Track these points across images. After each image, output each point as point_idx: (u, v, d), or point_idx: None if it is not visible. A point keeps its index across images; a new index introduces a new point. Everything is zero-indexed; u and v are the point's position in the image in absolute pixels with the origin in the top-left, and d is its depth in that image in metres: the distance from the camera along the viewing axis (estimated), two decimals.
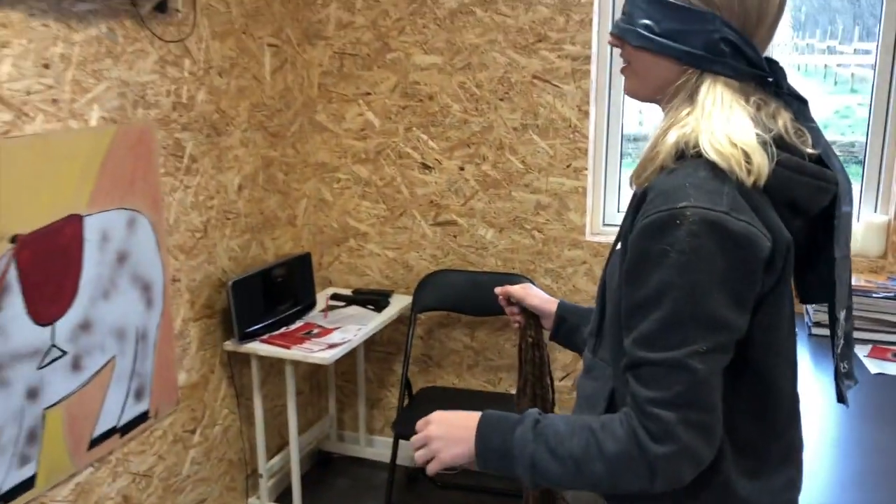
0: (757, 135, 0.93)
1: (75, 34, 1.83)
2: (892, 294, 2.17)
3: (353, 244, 2.94)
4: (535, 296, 1.41)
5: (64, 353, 1.86)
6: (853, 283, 2.22)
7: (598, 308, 1.11)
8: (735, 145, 0.92)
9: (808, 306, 2.30)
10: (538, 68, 2.55)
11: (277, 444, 2.77)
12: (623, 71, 1.07)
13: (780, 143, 0.95)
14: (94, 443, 1.97)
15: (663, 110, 1.03)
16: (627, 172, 1.69)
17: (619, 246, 1.04)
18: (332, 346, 2.35)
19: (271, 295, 2.49)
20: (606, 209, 2.70)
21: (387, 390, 3.02)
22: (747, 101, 0.97)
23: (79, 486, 1.94)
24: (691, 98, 0.97)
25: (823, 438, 1.62)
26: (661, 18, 0.98)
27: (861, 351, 2.08)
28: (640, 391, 0.92)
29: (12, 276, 1.70)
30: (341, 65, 2.78)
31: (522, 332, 1.43)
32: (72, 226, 1.86)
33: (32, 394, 1.78)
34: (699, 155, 0.94)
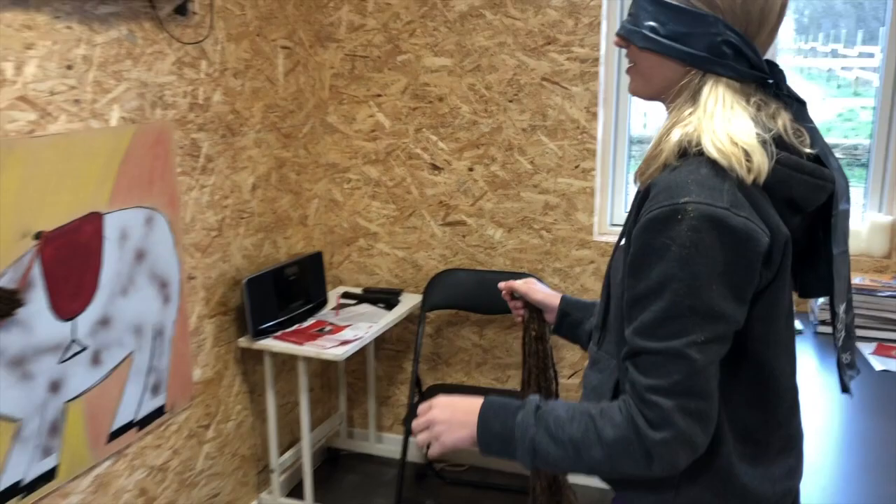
0: (757, 134, 0.97)
1: (97, 36, 1.87)
2: None
3: (363, 244, 2.98)
4: (539, 290, 1.44)
5: (84, 347, 1.90)
6: (858, 281, 2.26)
7: (603, 302, 1.14)
8: (736, 144, 0.95)
9: (814, 304, 2.33)
10: (547, 70, 2.59)
11: (289, 440, 2.80)
12: (628, 71, 1.10)
13: (779, 142, 0.99)
14: (113, 436, 2.01)
15: (667, 109, 1.07)
16: None
17: (622, 242, 1.07)
18: (344, 342, 2.39)
19: (284, 293, 2.53)
20: (614, 209, 2.74)
21: (396, 388, 3.06)
22: (748, 101, 1.00)
23: (98, 478, 1.98)
24: (694, 98, 1.01)
25: (830, 432, 1.65)
26: (666, 21, 1.01)
27: (866, 349, 2.11)
28: (639, 379, 0.95)
29: (36, 271, 1.75)
30: (352, 67, 2.83)
31: (526, 326, 1.46)
32: (92, 223, 1.90)
33: (54, 387, 1.82)
34: (701, 153, 0.97)
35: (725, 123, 0.97)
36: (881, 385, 1.88)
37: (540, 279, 2.68)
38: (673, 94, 1.04)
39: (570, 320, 1.40)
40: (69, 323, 1.85)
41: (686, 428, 0.93)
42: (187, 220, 2.23)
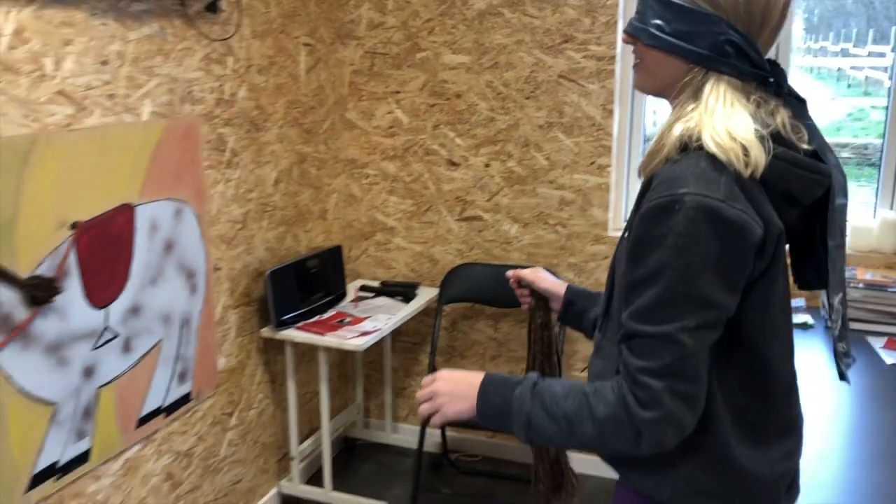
0: (755, 130, 1.01)
1: (130, 32, 1.93)
2: None
3: (381, 238, 3.04)
4: (545, 279, 1.48)
5: (116, 335, 1.96)
6: (868, 277, 2.30)
7: (607, 291, 1.19)
8: (734, 139, 1.00)
9: (824, 298, 2.37)
10: (564, 68, 2.64)
11: (307, 429, 2.86)
12: (635, 67, 1.15)
13: (777, 138, 1.03)
14: (142, 421, 2.08)
15: (671, 104, 1.11)
16: None
17: (627, 234, 1.11)
18: (364, 333, 2.44)
19: (305, 285, 2.58)
20: (629, 205, 2.79)
21: (412, 379, 3.12)
22: (748, 99, 1.04)
23: (127, 461, 2.04)
24: (696, 95, 1.05)
25: (840, 423, 1.70)
26: (672, 19, 1.05)
27: (876, 343, 2.15)
28: (631, 360, 1.00)
29: (72, 261, 1.81)
30: (372, 64, 2.88)
31: (532, 314, 1.50)
32: (124, 214, 1.96)
33: (88, 372, 1.88)
34: (701, 148, 1.01)
35: (725, 120, 1.01)
36: (891, 379, 1.92)
37: (555, 274, 2.73)
38: (677, 91, 1.08)
39: (575, 309, 1.44)
40: (102, 311, 1.91)
41: (674, 409, 0.98)
42: (213, 212, 2.29)
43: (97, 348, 1.90)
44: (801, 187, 1.05)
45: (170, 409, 2.17)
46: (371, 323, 2.54)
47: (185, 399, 2.23)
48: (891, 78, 2.48)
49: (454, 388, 1.13)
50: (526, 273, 1.49)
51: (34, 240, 1.70)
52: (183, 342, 2.20)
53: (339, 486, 2.70)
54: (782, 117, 1.05)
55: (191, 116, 2.16)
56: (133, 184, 1.97)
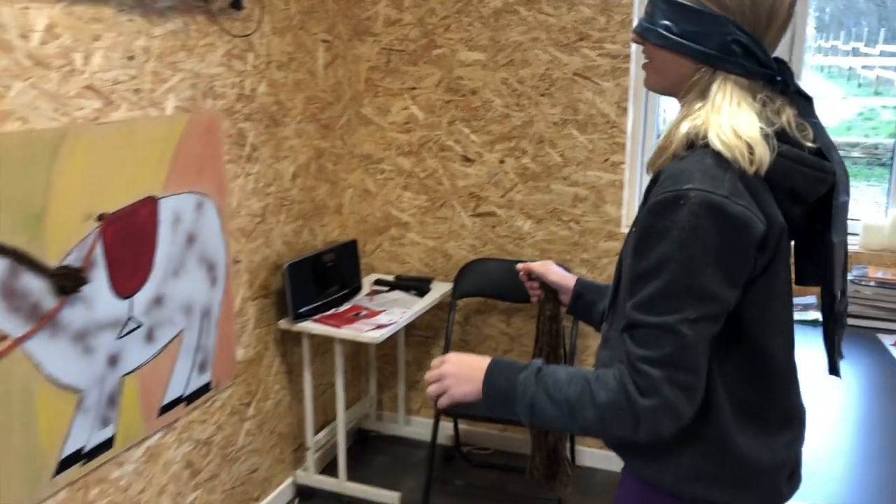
0: (760, 128, 1.03)
1: (156, 28, 1.96)
2: None
3: (395, 233, 3.07)
4: (555, 272, 1.51)
5: (140, 324, 2.00)
6: (880, 275, 2.33)
7: (615, 284, 1.22)
8: (739, 137, 1.02)
9: (824, 294, 2.40)
10: (579, 66, 2.67)
11: (322, 420, 2.90)
12: (644, 66, 1.17)
13: (782, 136, 1.05)
14: (163, 410, 2.12)
15: (679, 103, 1.14)
16: None
17: (634, 227, 1.14)
18: (380, 326, 2.48)
19: (322, 278, 2.62)
20: None
21: (424, 373, 3.14)
22: (754, 97, 1.07)
23: (149, 449, 2.09)
24: (704, 94, 1.07)
25: (851, 419, 1.73)
26: (680, 20, 1.07)
27: (888, 340, 2.18)
28: (633, 349, 1.03)
29: (98, 251, 1.85)
30: (388, 60, 2.91)
31: (541, 306, 1.53)
32: (148, 207, 2.00)
33: (112, 361, 1.92)
34: (707, 145, 1.04)
35: (731, 118, 1.04)
36: None
37: (567, 269, 2.76)
38: (685, 90, 1.10)
39: (584, 302, 1.47)
40: (127, 301, 1.95)
41: (672, 397, 1.01)
42: (234, 206, 2.33)
43: (121, 337, 1.94)
44: (806, 185, 1.07)
45: (190, 399, 2.22)
46: (386, 316, 2.58)
47: (204, 388, 2.27)
48: None
49: (462, 370, 1.17)
50: (536, 266, 1.52)
51: (62, 231, 1.74)
52: (203, 333, 2.24)
53: (352, 476, 2.74)
54: (788, 116, 1.07)
55: (213, 111, 2.20)
56: (157, 177, 2.01)
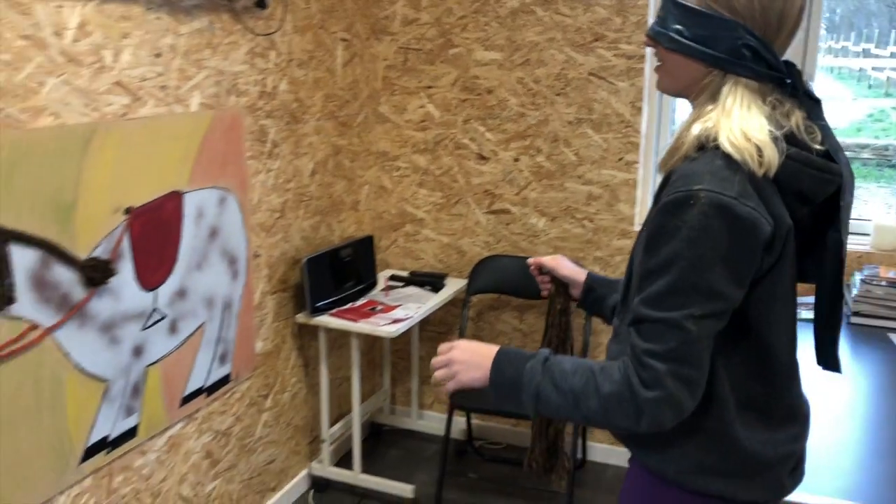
0: (770, 131, 1.06)
1: (182, 26, 2.01)
2: None
3: (410, 229, 3.11)
4: (566, 266, 1.53)
5: (164, 316, 2.04)
6: (892, 275, 2.35)
7: (626, 280, 1.25)
8: (749, 140, 1.05)
9: (849, 298, 2.43)
10: (594, 66, 2.70)
11: (336, 413, 2.95)
12: (656, 69, 1.20)
13: (791, 139, 1.08)
14: (185, 400, 2.16)
15: (691, 105, 1.17)
16: None
17: (646, 227, 1.17)
18: (396, 321, 2.52)
19: (339, 273, 2.66)
20: None
21: None
22: (764, 100, 1.09)
23: (171, 438, 2.13)
24: (714, 96, 1.10)
25: (863, 416, 1.76)
26: (691, 24, 1.10)
27: None
28: (639, 343, 1.06)
29: (125, 244, 1.89)
30: (405, 59, 2.95)
31: (551, 299, 1.56)
32: (173, 201, 2.04)
33: (137, 351, 1.97)
34: (717, 147, 1.07)
35: (741, 121, 1.06)
36: None
37: (580, 266, 2.79)
38: (696, 92, 1.13)
39: (594, 295, 1.49)
40: (151, 293, 2.00)
41: (675, 391, 1.04)
42: (254, 201, 2.37)
43: (146, 329, 1.99)
44: (813, 186, 1.10)
45: (210, 390, 2.26)
46: (402, 311, 2.62)
47: (224, 380, 2.31)
48: None
49: (470, 357, 1.19)
50: (546, 260, 1.54)
51: (92, 224, 1.79)
52: (224, 325, 2.28)
53: (366, 469, 2.78)
54: (797, 119, 1.10)
55: (236, 108, 2.24)
56: (182, 172, 2.05)
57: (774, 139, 1.05)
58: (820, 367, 1.26)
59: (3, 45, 1.55)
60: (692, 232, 1.02)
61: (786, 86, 1.10)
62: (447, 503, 2.71)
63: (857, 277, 2.41)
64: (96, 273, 1.80)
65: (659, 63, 1.18)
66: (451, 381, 1.20)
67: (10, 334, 1.62)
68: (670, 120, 2.79)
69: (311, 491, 2.79)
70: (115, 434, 1.93)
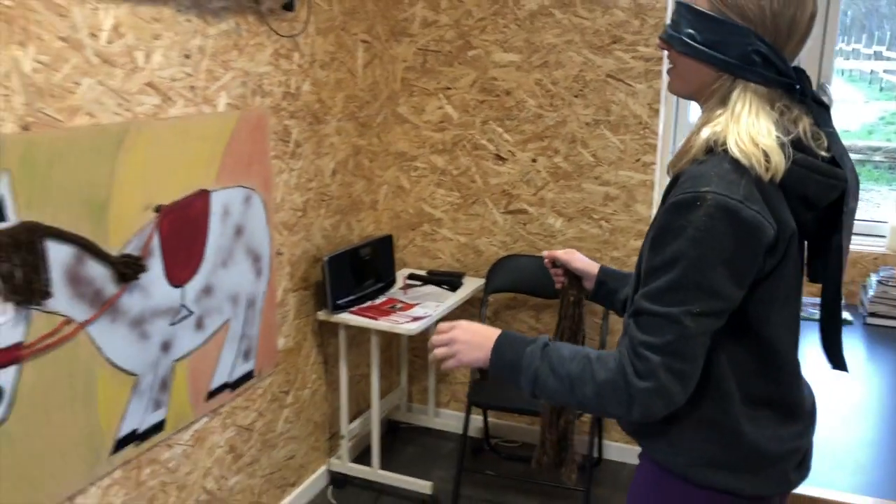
0: (777, 137, 1.09)
1: (210, 28, 2.05)
2: None
3: (427, 229, 3.15)
4: (579, 259, 1.56)
5: (191, 312, 2.08)
6: None
7: (635, 277, 1.28)
8: (757, 145, 1.08)
9: (864, 297, 2.45)
10: (612, 68, 2.73)
11: (355, 410, 2.98)
12: (668, 72, 1.23)
13: (797, 144, 1.11)
14: (210, 395, 2.20)
15: (701, 108, 1.20)
16: None
17: (653, 225, 1.20)
18: (416, 318, 2.55)
19: (359, 271, 2.70)
20: None
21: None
22: (772, 106, 1.12)
23: (196, 433, 2.17)
24: (724, 101, 1.13)
25: (880, 414, 1.78)
26: (703, 29, 1.13)
27: None
28: (636, 334, 1.10)
29: (155, 241, 1.93)
30: (424, 61, 2.99)
31: (565, 291, 1.59)
32: (201, 200, 2.08)
33: (166, 347, 2.01)
34: (726, 151, 1.10)
35: (749, 126, 1.09)
36: None
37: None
38: (706, 96, 1.16)
39: (606, 288, 1.53)
40: (179, 290, 2.04)
41: (667, 383, 1.08)
42: (278, 200, 2.41)
43: (174, 324, 2.03)
44: (818, 191, 1.13)
45: (234, 385, 2.30)
46: (421, 309, 2.65)
47: (248, 376, 2.35)
48: None
49: (472, 337, 1.23)
50: (560, 253, 1.58)
51: (124, 221, 1.83)
52: (248, 322, 2.32)
53: (384, 466, 2.81)
54: (804, 125, 1.12)
55: (261, 108, 2.28)
56: (209, 171, 2.09)
57: (781, 145, 1.08)
58: (830, 367, 1.29)
59: (42, 47, 1.59)
60: (697, 232, 1.05)
61: (794, 92, 1.13)
62: (465, 500, 2.74)
63: (874, 279, 2.43)
64: (128, 269, 1.84)
65: (671, 66, 1.21)
66: (451, 359, 1.24)
67: (46, 328, 1.66)
68: (687, 122, 2.81)
69: (330, 487, 2.82)
70: (143, 427, 1.97)
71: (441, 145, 3.04)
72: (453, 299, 2.79)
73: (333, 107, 2.65)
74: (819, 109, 1.16)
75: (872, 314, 2.39)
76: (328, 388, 2.80)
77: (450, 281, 2.92)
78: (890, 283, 2.38)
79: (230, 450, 2.32)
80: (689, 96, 1.22)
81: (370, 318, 2.56)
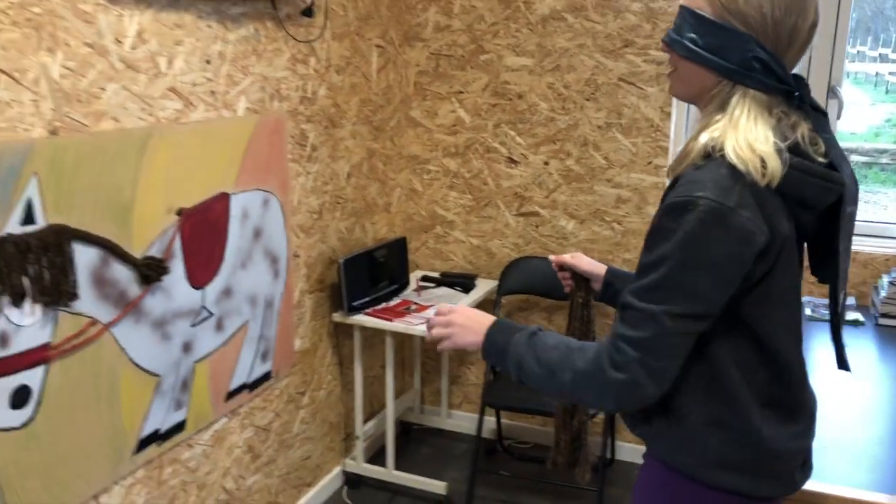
0: (774, 143, 1.11)
1: (230, 34, 2.08)
2: None
3: (440, 231, 3.17)
4: (586, 261, 1.59)
5: (211, 314, 2.11)
6: None
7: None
8: (754, 151, 1.10)
9: (875, 298, 2.47)
10: (624, 71, 2.75)
11: (369, 411, 3.00)
12: (669, 75, 1.25)
13: (795, 150, 1.13)
14: (229, 396, 2.23)
15: (701, 112, 1.22)
16: None
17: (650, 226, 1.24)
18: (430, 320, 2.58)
19: (373, 273, 2.73)
20: None
21: (466, 368, 3.25)
22: (770, 112, 1.14)
23: (216, 433, 2.20)
24: (723, 106, 1.15)
25: (894, 411, 1.81)
26: (705, 34, 1.15)
27: None
28: (618, 327, 1.14)
29: (177, 244, 1.96)
30: (437, 65, 3.01)
31: (573, 293, 1.62)
32: (221, 203, 2.11)
33: (187, 348, 2.04)
34: (723, 156, 1.12)
35: (747, 132, 1.11)
36: None
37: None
38: (706, 100, 1.18)
39: (613, 289, 1.54)
40: (200, 291, 2.07)
41: (639, 377, 1.11)
42: (295, 203, 2.43)
43: (195, 326, 2.06)
44: (816, 194, 1.15)
45: (253, 386, 2.33)
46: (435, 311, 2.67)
47: (266, 377, 2.38)
48: None
49: (468, 322, 1.30)
50: (566, 258, 1.60)
51: (147, 223, 1.86)
52: (266, 323, 2.35)
53: (398, 466, 2.83)
54: (802, 130, 1.15)
55: (279, 112, 2.31)
56: (229, 174, 2.12)
57: (778, 150, 1.10)
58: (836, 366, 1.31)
59: (69, 53, 1.62)
60: (686, 235, 1.08)
61: (793, 98, 1.15)
62: (479, 500, 2.76)
63: (885, 280, 2.45)
64: (151, 271, 1.87)
65: (673, 69, 1.23)
66: (447, 340, 1.31)
67: (72, 330, 1.69)
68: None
69: (345, 487, 2.85)
70: (165, 427, 2.00)
71: (453, 148, 3.07)
72: (466, 301, 2.81)
73: (348, 111, 2.68)
74: (817, 116, 1.18)
75: (884, 315, 2.40)
76: (343, 389, 2.83)
77: (463, 283, 2.94)
78: None
79: (248, 450, 2.34)
80: (690, 100, 1.24)
81: (385, 319, 2.59)
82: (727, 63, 1.13)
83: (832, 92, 2.65)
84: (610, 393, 1.13)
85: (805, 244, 1.26)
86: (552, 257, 1.62)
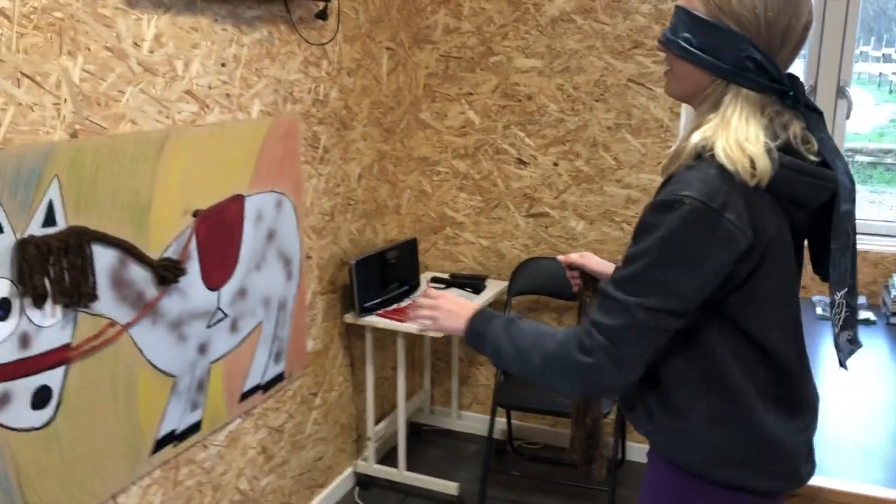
0: (765, 143, 1.12)
1: (245, 37, 2.09)
2: None
3: (450, 232, 3.18)
4: (594, 261, 1.61)
5: (226, 315, 2.12)
6: None
7: None
8: (744, 152, 1.11)
9: (888, 299, 2.48)
10: (633, 72, 2.77)
11: (380, 412, 3.02)
12: (665, 73, 1.27)
13: (786, 149, 1.14)
14: (244, 397, 2.24)
15: (695, 110, 1.23)
16: None
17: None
18: None
19: (384, 275, 2.74)
20: None
21: (476, 369, 3.26)
22: (763, 112, 1.15)
23: (230, 433, 2.21)
24: (716, 105, 1.16)
25: None
26: (699, 34, 1.16)
27: None
28: (594, 313, 1.16)
29: (193, 245, 1.97)
30: (446, 67, 3.03)
31: (581, 293, 1.64)
32: (236, 204, 2.13)
33: (202, 349, 2.05)
34: (714, 157, 1.13)
35: (738, 132, 1.12)
36: None
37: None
38: (700, 100, 1.19)
39: None
40: (215, 292, 2.08)
41: (603, 364, 1.13)
42: (307, 204, 2.45)
43: (210, 327, 2.07)
44: (807, 192, 1.16)
45: (266, 387, 2.34)
46: None
47: (279, 378, 2.39)
48: None
49: (455, 308, 1.36)
50: (575, 257, 1.62)
51: (164, 225, 1.87)
52: (279, 325, 2.36)
53: (409, 467, 2.84)
54: (795, 129, 1.16)
55: (292, 115, 2.32)
56: (244, 176, 2.14)
57: (768, 150, 1.11)
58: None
59: (89, 57, 1.64)
60: (667, 233, 1.09)
61: (787, 98, 1.16)
62: (490, 500, 2.77)
63: None
64: (168, 273, 1.88)
65: (668, 68, 1.25)
66: (432, 322, 1.37)
67: (91, 331, 1.71)
68: None
69: (357, 488, 2.86)
70: (181, 428, 2.01)
71: (463, 150, 3.09)
72: (477, 301, 2.82)
73: (359, 113, 2.69)
74: (812, 115, 1.19)
75: (895, 314, 2.41)
76: (354, 391, 2.84)
77: (473, 284, 2.96)
78: None
79: (262, 451, 2.36)
80: (685, 99, 1.25)
81: (397, 320, 2.60)
82: (721, 63, 1.14)
83: (841, 92, 2.67)
84: (575, 375, 1.15)
85: (805, 242, 1.27)
86: (561, 257, 1.64)
